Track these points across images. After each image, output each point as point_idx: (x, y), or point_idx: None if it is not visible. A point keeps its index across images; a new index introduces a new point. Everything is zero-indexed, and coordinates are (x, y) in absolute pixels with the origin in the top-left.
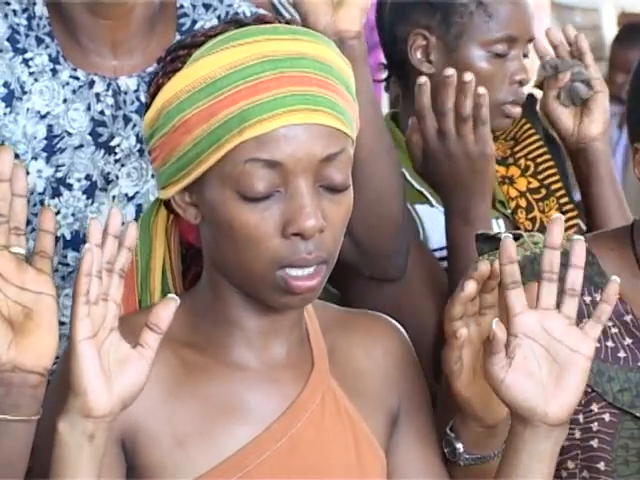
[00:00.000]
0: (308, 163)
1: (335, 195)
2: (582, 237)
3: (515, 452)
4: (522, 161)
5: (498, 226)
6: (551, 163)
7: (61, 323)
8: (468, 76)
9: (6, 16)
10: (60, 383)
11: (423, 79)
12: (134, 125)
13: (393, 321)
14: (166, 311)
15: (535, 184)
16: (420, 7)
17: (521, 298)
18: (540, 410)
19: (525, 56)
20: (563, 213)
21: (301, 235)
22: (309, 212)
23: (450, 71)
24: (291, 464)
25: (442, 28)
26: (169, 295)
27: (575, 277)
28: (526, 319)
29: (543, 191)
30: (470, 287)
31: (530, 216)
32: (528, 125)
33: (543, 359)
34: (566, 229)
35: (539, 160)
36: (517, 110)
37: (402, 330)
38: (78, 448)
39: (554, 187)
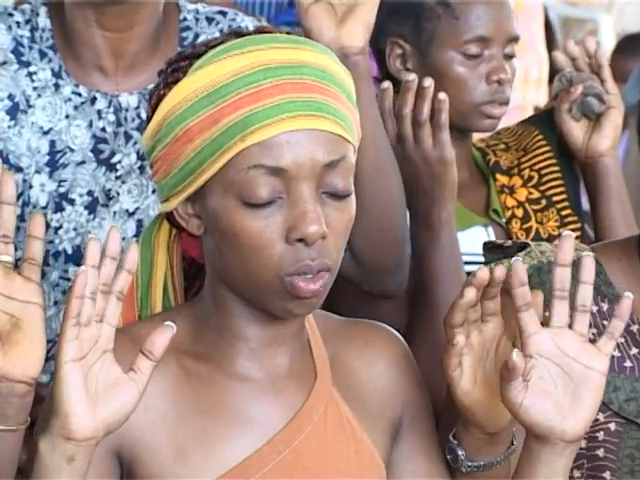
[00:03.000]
0: (311, 169)
1: (337, 202)
2: (591, 253)
3: (532, 469)
4: (526, 171)
5: (487, 234)
6: (557, 175)
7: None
8: (427, 81)
9: (10, 28)
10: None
11: (385, 84)
12: (135, 142)
13: (394, 331)
14: (161, 338)
15: (536, 195)
16: (394, 17)
17: (534, 319)
18: (558, 429)
19: (510, 57)
20: (564, 225)
21: (304, 241)
22: (312, 218)
23: (411, 76)
24: (294, 475)
25: (414, 35)
26: (166, 322)
27: (585, 293)
28: (540, 339)
29: (543, 202)
30: (469, 294)
31: (525, 226)
32: (540, 137)
33: (559, 378)
34: None
35: (544, 172)
36: (499, 110)
37: (402, 339)
38: (57, 469)
39: (556, 199)
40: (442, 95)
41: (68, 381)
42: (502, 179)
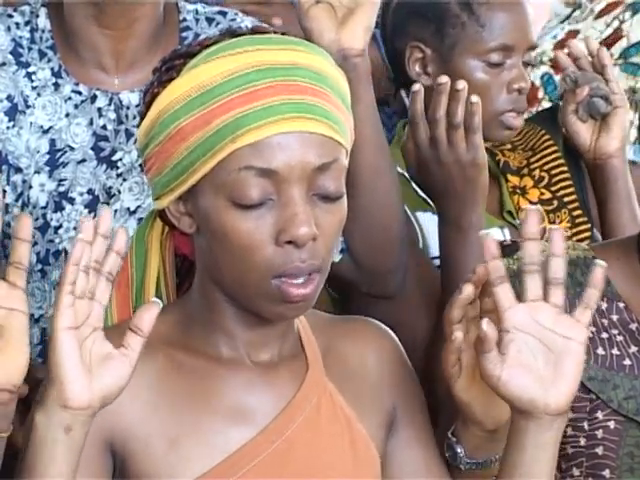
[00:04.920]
0: (302, 171)
1: (328, 204)
2: (560, 227)
3: (519, 445)
4: (537, 172)
5: (503, 235)
6: (566, 175)
7: None
8: (460, 84)
9: (9, 29)
10: None
11: (417, 86)
12: (136, 140)
13: (383, 326)
14: (149, 314)
15: (547, 195)
16: (415, 20)
17: (509, 293)
18: (541, 402)
19: (527, 64)
20: (576, 226)
21: (294, 243)
22: (302, 220)
23: (444, 79)
24: (287, 465)
25: (437, 40)
26: (152, 299)
27: (557, 266)
28: (516, 313)
29: (555, 203)
30: (467, 290)
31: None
32: (547, 136)
33: (538, 350)
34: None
35: (554, 172)
36: (518, 121)
37: (392, 334)
38: (53, 440)
39: (567, 199)
40: (475, 98)
41: (63, 347)
42: (513, 180)
